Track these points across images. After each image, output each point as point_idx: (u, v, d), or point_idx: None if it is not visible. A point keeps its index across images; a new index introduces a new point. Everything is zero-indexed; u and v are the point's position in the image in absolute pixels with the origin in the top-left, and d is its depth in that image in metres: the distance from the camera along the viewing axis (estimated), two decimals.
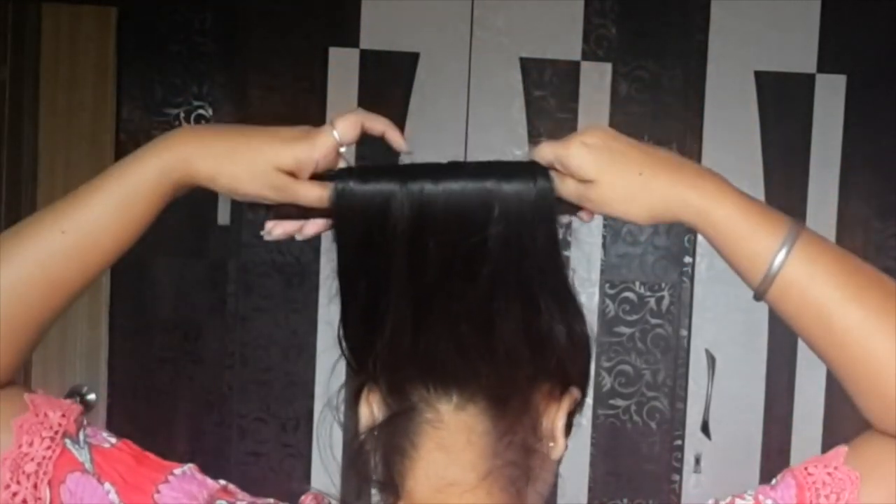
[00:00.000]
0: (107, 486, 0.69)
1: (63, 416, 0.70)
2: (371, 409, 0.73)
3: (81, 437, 0.70)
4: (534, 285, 0.70)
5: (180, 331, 2.52)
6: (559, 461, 0.74)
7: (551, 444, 0.72)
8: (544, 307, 0.71)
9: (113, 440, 0.72)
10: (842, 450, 0.70)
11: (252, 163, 0.70)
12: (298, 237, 0.74)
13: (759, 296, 0.70)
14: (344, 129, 0.71)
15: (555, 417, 0.72)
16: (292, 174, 0.71)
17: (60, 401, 0.72)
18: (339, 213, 0.71)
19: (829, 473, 0.68)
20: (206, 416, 2.52)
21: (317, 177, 0.71)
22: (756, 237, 0.69)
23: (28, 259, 0.70)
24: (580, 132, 0.73)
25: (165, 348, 2.51)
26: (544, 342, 0.71)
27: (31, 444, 0.68)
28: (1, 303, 0.69)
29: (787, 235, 0.68)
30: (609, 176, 0.71)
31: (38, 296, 0.70)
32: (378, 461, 0.72)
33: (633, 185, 0.71)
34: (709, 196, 0.70)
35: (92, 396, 2.43)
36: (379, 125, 0.74)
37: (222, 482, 0.74)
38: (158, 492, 0.70)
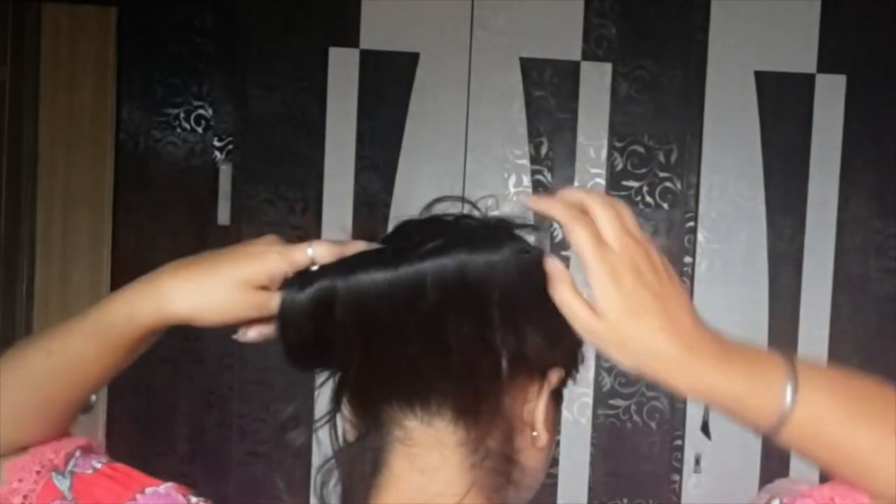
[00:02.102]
0: None
1: (54, 451, 0.75)
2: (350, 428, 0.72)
3: (69, 466, 0.75)
4: (487, 309, 0.66)
5: (180, 331, 2.49)
6: (548, 450, 0.71)
7: (534, 434, 0.69)
8: (501, 323, 0.66)
9: (98, 465, 0.75)
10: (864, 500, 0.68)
11: (226, 292, 0.73)
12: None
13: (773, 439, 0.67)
14: (321, 252, 0.70)
15: (535, 406, 0.69)
16: (266, 287, 0.71)
17: (62, 441, 0.77)
18: (283, 321, 0.71)
19: None
20: (206, 416, 2.52)
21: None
22: (754, 396, 0.66)
23: (18, 383, 0.74)
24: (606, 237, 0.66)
25: (165, 348, 2.51)
26: (508, 352, 0.66)
27: (20, 481, 0.74)
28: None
29: (786, 379, 0.65)
30: (630, 327, 0.65)
31: (31, 417, 0.75)
32: (350, 482, 0.71)
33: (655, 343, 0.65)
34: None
35: (92, 397, 2.43)
36: (354, 248, 0.70)
37: (202, 501, 0.75)
38: None
